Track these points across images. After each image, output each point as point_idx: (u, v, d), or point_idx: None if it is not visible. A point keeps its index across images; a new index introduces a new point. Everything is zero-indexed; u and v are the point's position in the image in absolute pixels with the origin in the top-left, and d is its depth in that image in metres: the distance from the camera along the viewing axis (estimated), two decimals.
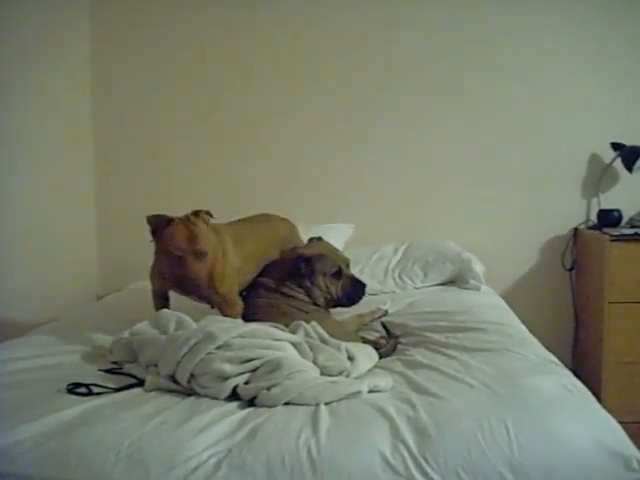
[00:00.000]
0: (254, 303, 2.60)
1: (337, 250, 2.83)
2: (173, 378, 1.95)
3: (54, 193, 3.71)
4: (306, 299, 2.63)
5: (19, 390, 1.93)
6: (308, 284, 2.63)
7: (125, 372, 2.09)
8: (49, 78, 3.67)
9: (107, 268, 4.25)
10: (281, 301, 2.60)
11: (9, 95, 3.27)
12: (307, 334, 2.16)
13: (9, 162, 3.29)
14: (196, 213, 2.37)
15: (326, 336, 2.15)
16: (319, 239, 2.87)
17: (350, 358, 2.05)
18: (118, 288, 3.64)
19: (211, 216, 2.42)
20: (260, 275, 2.74)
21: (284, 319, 2.35)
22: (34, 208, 3.50)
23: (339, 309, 2.76)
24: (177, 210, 3.93)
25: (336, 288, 2.66)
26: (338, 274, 2.66)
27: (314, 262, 2.63)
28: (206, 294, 2.47)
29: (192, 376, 1.91)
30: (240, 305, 2.53)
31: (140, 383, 1.99)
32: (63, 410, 1.75)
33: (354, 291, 2.69)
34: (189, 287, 2.41)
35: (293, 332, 2.18)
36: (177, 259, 2.29)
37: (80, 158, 4.12)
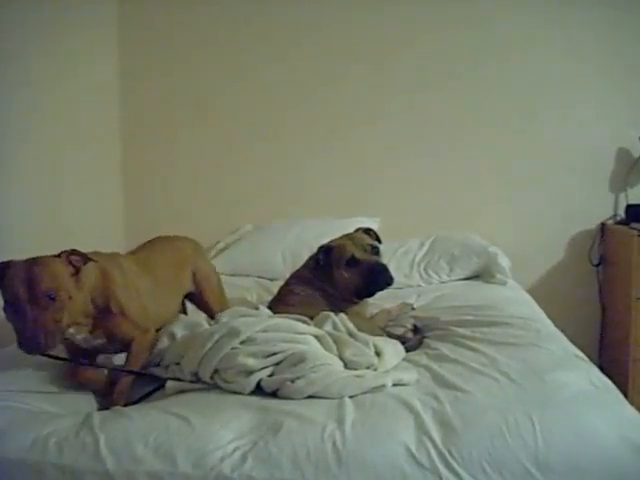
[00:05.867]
0: (294, 292, 2.63)
1: (367, 237, 2.73)
2: (196, 375, 1.95)
3: (80, 184, 3.75)
4: (334, 292, 2.61)
5: (53, 385, 1.98)
6: (331, 276, 2.60)
7: (145, 372, 2.08)
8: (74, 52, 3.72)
9: None
10: (312, 291, 2.61)
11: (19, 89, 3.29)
12: (335, 327, 2.16)
13: (29, 157, 3.33)
14: (59, 255, 1.93)
15: (354, 330, 2.15)
16: (367, 230, 2.79)
17: (377, 353, 2.05)
18: None
19: (85, 257, 1.96)
20: (303, 265, 2.78)
21: (317, 310, 2.36)
22: (60, 199, 3.54)
23: (371, 300, 2.74)
24: (202, 207, 3.96)
25: (353, 275, 2.57)
26: (353, 262, 2.56)
27: (331, 252, 2.61)
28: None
29: (216, 371, 1.91)
30: (151, 329, 2.19)
31: (162, 385, 1.99)
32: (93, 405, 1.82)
33: (373, 276, 2.56)
34: (32, 344, 1.78)
35: (321, 324, 2.18)
36: (16, 310, 1.79)
37: (107, 149, 4.17)
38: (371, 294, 2.63)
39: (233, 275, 3.63)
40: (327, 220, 3.86)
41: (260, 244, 3.81)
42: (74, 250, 1.94)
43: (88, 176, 3.83)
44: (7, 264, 1.85)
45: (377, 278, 2.56)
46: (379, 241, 2.77)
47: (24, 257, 1.88)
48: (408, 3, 3.98)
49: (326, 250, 2.64)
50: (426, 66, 4.00)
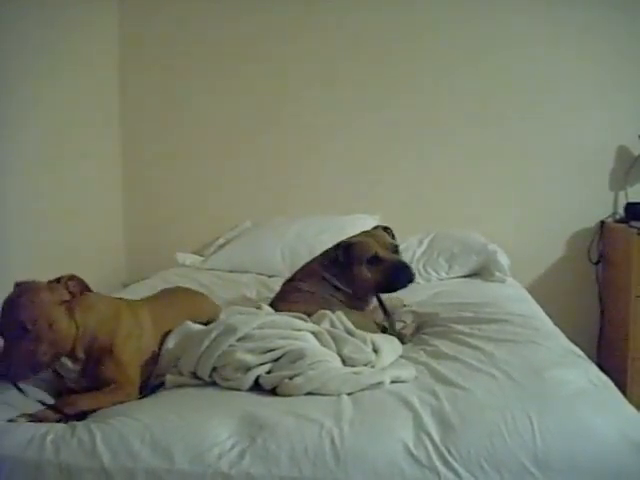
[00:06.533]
0: (297, 287, 2.61)
1: (387, 235, 2.71)
2: (195, 375, 1.94)
3: (80, 180, 3.75)
4: (346, 289, 2.59)
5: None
6: (347, 273, 2.56)
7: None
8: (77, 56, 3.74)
9: (134, 256, 4.29)
10: (321, 288, 2.58)
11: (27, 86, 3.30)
12: (332, 324, 2.15)
13: (36, 148, 3.35)
14: (58, 280, 1.88)
15: (351, 327, 2.14)
16: (385, 228, 2.78)
17: (375, 350, 2.05)
18: (144, 277, 3.66)
19: (83, 285, 1.91)
20: (312, 260, 2.76)
21: (316, 307, 2.33)
22: (60, 194, 3.55)
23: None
24: (202, 203, 3.96)
25: (374, 274, 2.53)
26: (375, 260, 2.53)
27: (352, 249, 2.57)
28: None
29: (214, 369, 1.91)
30: (135, 386, 1.96)
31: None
32: None
33: (396, 274, 2.53)
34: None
35: (318, 322, 2.16)
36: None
37: (107, 145, 4.18)
38: (392, 290, 2.60)
39: (232, 271, 3.64)
40: (327, 217, 3.86)
41: (259, 240, 3.81)
42: (73, 276, 1.89)
43: (88, 172, 3.84)
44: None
45: (400, 276, 2.54)
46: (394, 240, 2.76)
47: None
48: (408, 2, 3.98)
49: (346, 246, 2.60)
50: (427, 64, 4.01)
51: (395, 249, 2.64)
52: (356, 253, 2.56)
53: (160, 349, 2.09)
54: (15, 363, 1.74)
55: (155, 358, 2.06)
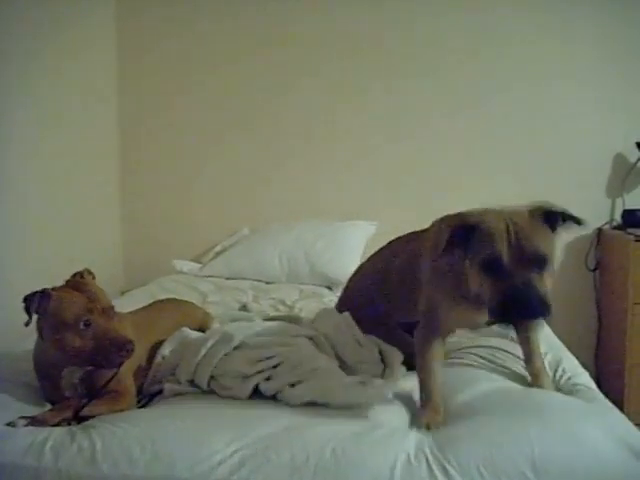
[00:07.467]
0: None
1: (528, 226, 1.80)
2: (192, 383, 1.94)
3: (78, 187, 3.76)
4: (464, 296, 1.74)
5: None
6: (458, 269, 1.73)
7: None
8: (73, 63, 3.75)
9: (131, 263, 4.29)
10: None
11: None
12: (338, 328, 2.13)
13: (32, 157, 3.36)
14: (80, 274, 1.92)
15: (359, 334, 2.11)
16: (548, 213, 1.93)
17: (384, 362, 2.04)
18: (142, 284, 3.66)
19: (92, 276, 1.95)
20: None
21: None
22: (58, 201, 3.55)
23: None
24: (199, 210, 3.95)
25: (486, 287, 1.64)
26: (494, 267, 1.62)
27: (472, 234, 1.75)
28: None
29: (212, 378, 1.91)
30: (132, 396, 1.94)
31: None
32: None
33: (511, 302, 1.59)
34: (109, 356, 1.76)
35: (324, 321, 2.15)
36: (89, 325, 1.75)
37: (105, 152, 4.19)
38: (507, 322, 1.69)
39: (230, 278, 3.65)
40: (324, 223, 3.86)
41: (257, 247, 3.81)
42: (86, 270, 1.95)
43: (86, 179, 3.85)
44: (54, 291, 1.78)
45: (515, 306, 1.59)
46: (576, 221, 1.90)
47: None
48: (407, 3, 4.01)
49: (462, 228, 1.75)
50: (428, 66, 4.03)
51: (535, 258, 1.65)
52: (473, 244, 1.70)
53: (149, 360, 2.07)
54: (120, 342, 1.75)
55: (143, 369, 2.05)
